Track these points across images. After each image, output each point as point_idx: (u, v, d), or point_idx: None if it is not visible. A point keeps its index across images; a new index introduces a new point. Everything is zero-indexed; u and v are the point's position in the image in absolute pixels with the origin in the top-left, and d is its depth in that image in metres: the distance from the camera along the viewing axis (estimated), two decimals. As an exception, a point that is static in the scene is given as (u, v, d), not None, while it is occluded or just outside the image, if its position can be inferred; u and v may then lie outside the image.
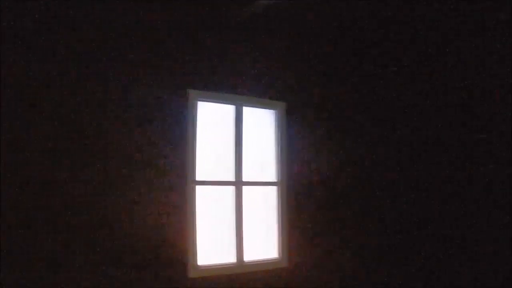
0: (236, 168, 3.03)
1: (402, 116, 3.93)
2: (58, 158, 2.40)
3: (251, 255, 3.07)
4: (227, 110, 3.09)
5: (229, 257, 2.97)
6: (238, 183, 3.02)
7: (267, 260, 3.08)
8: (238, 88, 3.08)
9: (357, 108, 3.68)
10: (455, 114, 3.78)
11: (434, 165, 3.91)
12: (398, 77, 3.95)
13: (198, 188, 2.89)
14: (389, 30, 3.58)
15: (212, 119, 3.04)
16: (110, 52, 2.62)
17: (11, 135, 2.25)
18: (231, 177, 3.04)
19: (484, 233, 3.68)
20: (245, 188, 3.09)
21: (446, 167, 3.84)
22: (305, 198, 3.28)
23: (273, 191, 3.21)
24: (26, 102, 2.32)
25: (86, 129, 2.50)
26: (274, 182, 3.19)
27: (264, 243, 3.16)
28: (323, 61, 3.54)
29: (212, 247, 2.94)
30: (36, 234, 2.30)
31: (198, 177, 2.90)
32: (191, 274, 2.73)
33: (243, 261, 2.97)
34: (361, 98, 3.72)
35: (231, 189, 3.03)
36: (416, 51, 3.94)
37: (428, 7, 3.08)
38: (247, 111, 3.17)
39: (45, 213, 2.33)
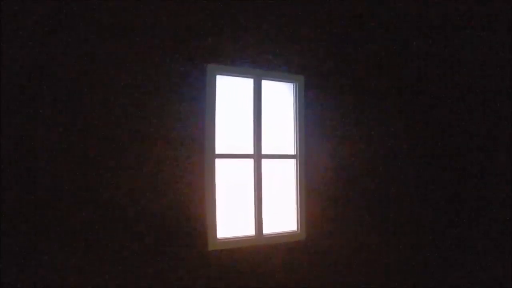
0: (255, 141, 2.99)
1: (423, 90, 3.85)
2: (78, 134, 2.39)
3: (270, 227, 3.07)
4: (246, 84, 3.04)
5: (248, 230, 2.97)
6: (257, 156, 2.98)
7: (286, 232, 3.06)
8: (256, 62, 3.01)
9: (376, 82, 3.59)
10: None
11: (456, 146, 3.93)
12: (421, 50, 3.89)
13: (218, 161, 2.88)
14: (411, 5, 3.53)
15: (231, 92, 2.99)
16: (127, 27, 2.57)
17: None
18: (251, 150, 3.02)
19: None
20: (264, 161, 3.07)
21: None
22: (323, 172, 3.23)
23: (291, 164, 3.19)
24: (37, 81, 2.35)
25: (104, 104, 2.47)
26: (293, 155, 3.13)
27: (282, 216, 3.14)
28: (343, 34, 3.44)
29: (231, 220, 2.93)
30: (57, 209, 2.35)
31: (218, 150, 2.89)
32: (211, 246, 2.73)
33: (262, 234, 2.95)
34: (381, 72, 3.63)
35: (251, 162, 3.01)
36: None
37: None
38: (266, 84, 3.12)
39: (67, 188, 2.36)
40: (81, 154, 2.39)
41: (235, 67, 2.93)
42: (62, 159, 2.34)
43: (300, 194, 3.12)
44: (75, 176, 2.37)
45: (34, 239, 2.25)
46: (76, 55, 2.41)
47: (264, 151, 3.07)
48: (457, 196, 3.88)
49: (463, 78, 3.92)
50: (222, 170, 2.92)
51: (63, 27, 2.37)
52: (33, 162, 2.26)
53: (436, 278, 3.75)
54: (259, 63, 3.02)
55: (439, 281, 3.75)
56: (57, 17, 2.36)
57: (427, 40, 3.87)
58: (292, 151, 3.19)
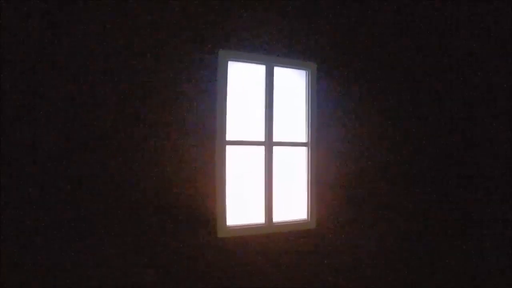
0: (266, 128, 2.93)
1: (440, 80, 3.75)
2: (87, 121, 2.36)
3: (280, 215, 3.02)
4: (258, 70, 2.98)
5: (258, 218, 2.93)
6: (269, 143, 2.93)
7: (296, 221, 3.01)
8: (269, 48, 2.94)
9: (390, 70, 3.50)
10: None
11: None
12: (433, 39, 3.81)
13: (229, 148, 2.83)
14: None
15: (243, 79, 2.93)
16: (139, 13, 2.52)
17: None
18: (262, 137, 2.96)
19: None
20: (275, 149, 3.01)
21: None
22: (335, 160, 3.18)
23: (303, 151, 3.13)
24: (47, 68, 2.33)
25: (114, 93, 2.44)
26: (304, 143, 3.08)
27: (293, 204, 3.09)
28: (356, 21, 3.34)
29: (241, 207, 2.89)
30: (70, 199, 2.35)
31: (229, 137, 2.84)
32: (220, 234, 2.70)
33: (272, 222, 2.91)
34: (395, 60, 3.54)
35: (262, 149, 2.96)
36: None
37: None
38: (278, 71, 3.05)
39: (75, 178, 2.35)
40: (90, 144, 2.37)
41: (247, 53, 2.86)
42: (71, 151, 2.33)
43: (311, 182, 3.07)
44: (84, 166, 2.36)
45: (43, 230, 2.26)
46: (87, 43, 2.38)
47: (275, 138, 3.02)
48: (471, 191, 3.81)
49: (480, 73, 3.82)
50: (233, 157, 2.87)
51: (73, 19, 2.35)
52: (43, 159, 2.26)
53: (446, 270, 3.71)
54: (271, 50, 2.95)
55: (448, 273, 3.71)
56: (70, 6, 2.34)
57: (443, 31, 3.78)
58: (303, 138, 3.13)
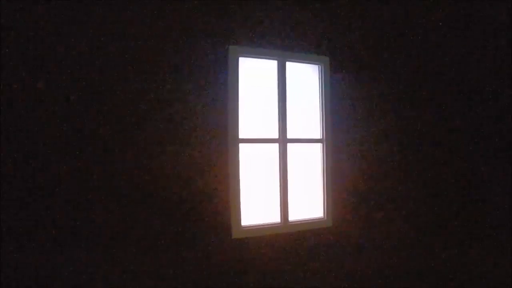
0: (280, 125, 2.84)
1: (456, 75, 3.66)
2: (97, 118, 2.29)
3: (295, 214, 2.93)
4: (270, 66, 2.88)
5: (273, 217, 2.84)
6: (283, 141, 2.83)
7: (312, 219, 2.91)
8: (280, 43, 2.84)
9: (405, 64, 3.39)
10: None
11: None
12: (451, 35, 3.71)
13: (242, 146, 2.74)
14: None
15: (254, 75, 2.83)
16: (147, 8, 2.44)
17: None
18: (276, 135, 2.87)
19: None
20: (289, 146, 2.92)
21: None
22: (350, 156, 3.08)
23: (317, 148, 3.04)
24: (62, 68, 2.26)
25: (123, 89, 2.36)
26: (319, 139, 2.98)
27: (308, 203, 2.99)
28: (369, 15, 3.24)
29: (256, 207, 2.80)
30: (81, 197, 2.27)
31: (242, 135, 2.75)
32: (235, 234, 2.61)
33: (288, 221, 2.81)
34: (409, 53, 3.42)
35: (276, 146, 2.87)
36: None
37: None
38: (290, 66, 2.95)
39: (88, 177, 2.27)
40: (101, 141, 2.30)
41: (258, 48, 2.77)
42: (81, 149, 2.27)
43: (326, 180, 2.97)
44: (96, 165, 2.28)
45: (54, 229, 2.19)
46: (97, 39, 2.30)
47: (289, 135, 2.92)
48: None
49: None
50: (246, 155, 2.78)
51: (82, 13, 2.28)
52: (52, 155, 2.19)
53: (466, 268, 3.64)
54: (283, 44, 2.85)
55: (467, 271, 3.64)
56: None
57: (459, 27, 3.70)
58: (318, 135, 3.03)
